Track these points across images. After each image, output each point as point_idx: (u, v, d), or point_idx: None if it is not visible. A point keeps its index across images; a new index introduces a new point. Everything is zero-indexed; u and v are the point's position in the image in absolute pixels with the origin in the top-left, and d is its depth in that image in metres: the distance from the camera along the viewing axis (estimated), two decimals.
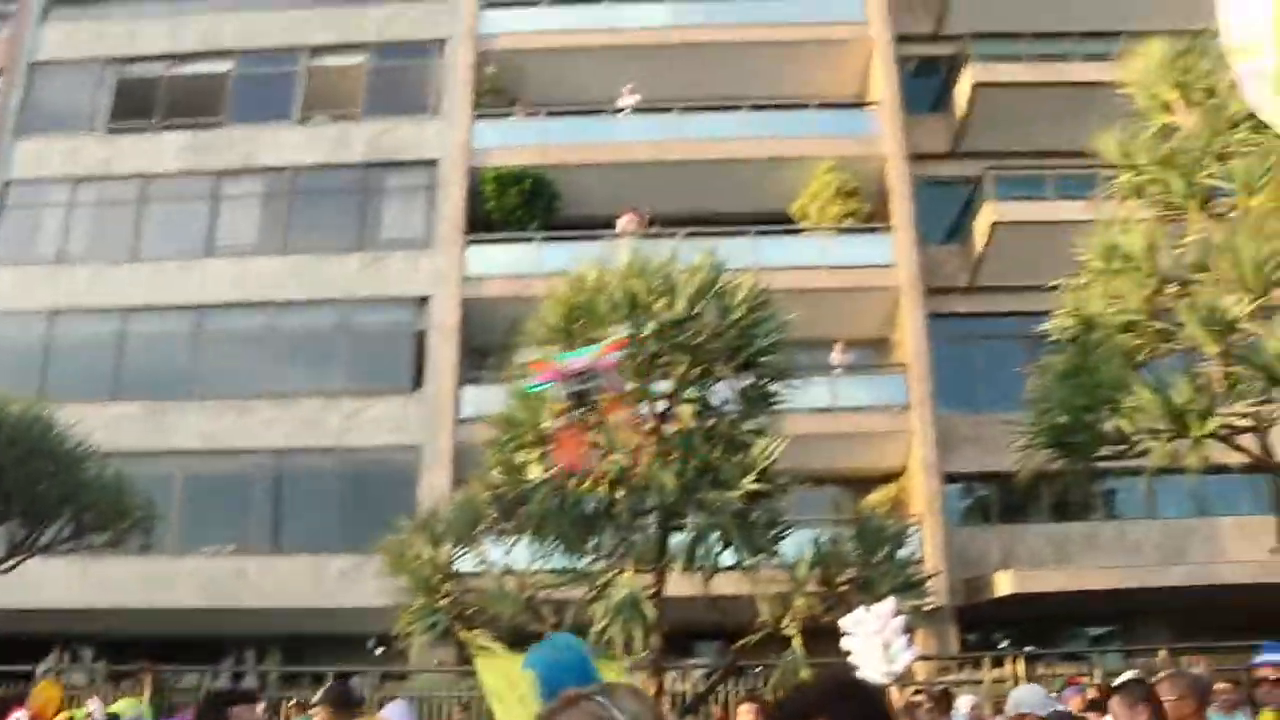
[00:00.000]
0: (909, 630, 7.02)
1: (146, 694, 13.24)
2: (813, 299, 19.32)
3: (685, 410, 9.79)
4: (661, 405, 9.89)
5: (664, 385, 9.87)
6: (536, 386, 10.94)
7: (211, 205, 25.28)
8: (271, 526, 22.79)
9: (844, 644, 6.91)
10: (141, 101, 26.50)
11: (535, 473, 9.68)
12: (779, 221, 23.85)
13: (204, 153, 25.41)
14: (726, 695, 12.52)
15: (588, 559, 9.59)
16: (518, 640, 10.24)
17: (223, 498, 23.08)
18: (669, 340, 9.63)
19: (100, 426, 19.48)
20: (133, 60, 27.02)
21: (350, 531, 21.50)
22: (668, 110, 24.62)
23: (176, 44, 26.90)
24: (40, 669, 17.60)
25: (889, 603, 6.97)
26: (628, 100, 24.74)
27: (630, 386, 10.95)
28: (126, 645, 21.85)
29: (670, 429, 9.73)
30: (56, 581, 20.35)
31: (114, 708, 11.07)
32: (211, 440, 22.78)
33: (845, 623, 6.95)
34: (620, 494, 9.35)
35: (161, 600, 21.34)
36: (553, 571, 9.57)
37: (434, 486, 20.91)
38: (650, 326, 9.58)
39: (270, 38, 26.62)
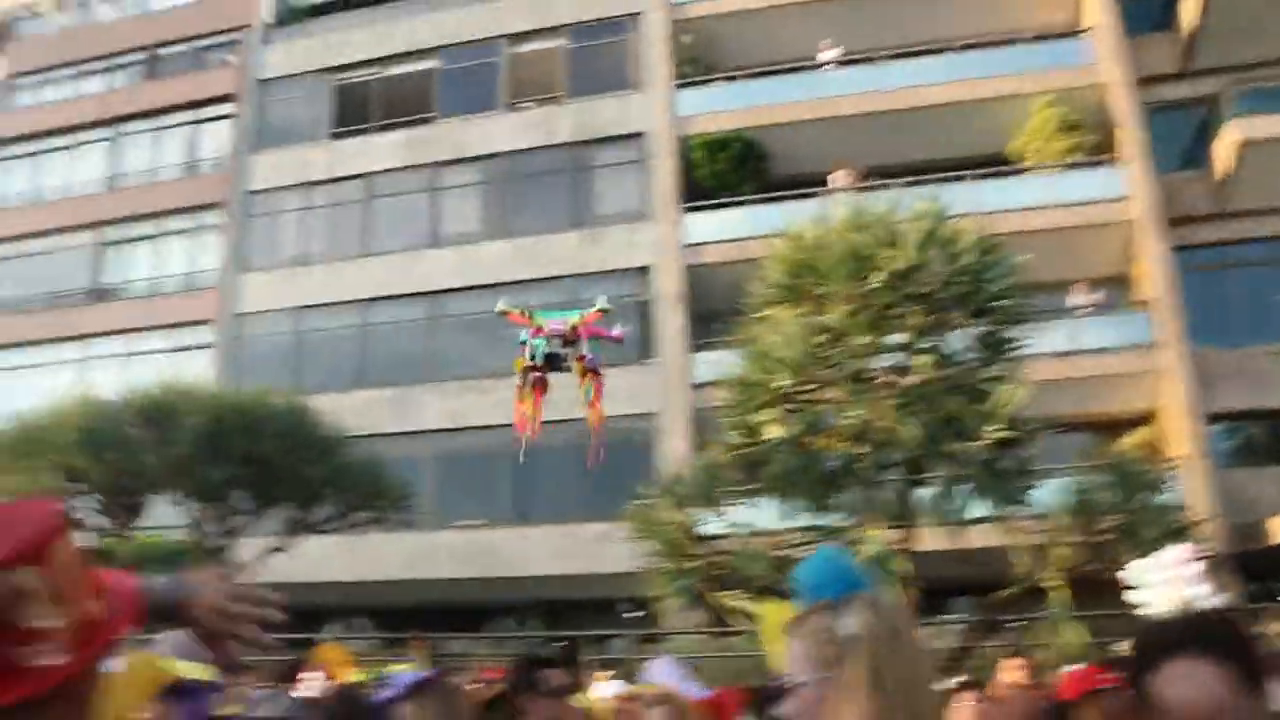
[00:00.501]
0: (1208, 575, 6.62)
1: (420, 659, 14.01)
2: (1042, 240, 18.57)
3: (922, 361, 9.61)
4: (896, 358, 9.74)
5: (898, 338, 9.70)
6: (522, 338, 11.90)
7: (432, 197, 26.36)
8: (519, 499, 23.63)
9: (1130, 596, 6.58)
10: (358, 106, 27.86)
11: (773, 432, 9.68)
12: (996, 164, 22.96)
13: (420, 148, 26.47)
14: (984, 651, 12.28)
15: (833, 516, 9.56)
16: (770, 599, 10.38)
17: (471, 473, 24.11)
18: (899, 292, 9.46)
19: (352, 413, 20.75)
20: (346, 68, 28.43)
21: (595, 500, 22.12)
22: (871, 60, 24.00)
23: (383, 48, 28.12)
24: (320, 637, 18.88)
25: (1181, 547, 6.59)
26: (828, 54, 24.26)
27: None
28: (396, 614, 23.27)
29: (909, 381, 9.57)
30: (330, 558, 21.82)
31: (394, 669, 11.79)
32: (456, 419, 23.83)
33: (1131, 572, 6.62)
34: (863, 450, 9.27)
35: (423, 572, 22.52)
36: (799, 529, 9.57)
37: (673, 452, 21.28)
38: (878, 279, 9.42)
39: (469, 31, 27.48)
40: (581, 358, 11.93)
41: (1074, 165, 22.51)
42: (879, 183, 21.26)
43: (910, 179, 19.57)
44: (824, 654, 1.78)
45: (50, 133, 32.10)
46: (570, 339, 12.27)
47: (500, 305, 14.11)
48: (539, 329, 12.40)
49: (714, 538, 10.25)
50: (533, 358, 11.97)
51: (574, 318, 12.43)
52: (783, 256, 10.07)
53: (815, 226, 10.07)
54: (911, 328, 9.63)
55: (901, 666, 1.75)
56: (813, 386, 9.46)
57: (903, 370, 9.64)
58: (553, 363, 11.90)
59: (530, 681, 4.30)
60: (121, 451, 14.05)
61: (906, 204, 10.23)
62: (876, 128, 23.19)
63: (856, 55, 24.08)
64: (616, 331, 14.00)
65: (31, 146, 32.31)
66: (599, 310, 12.54)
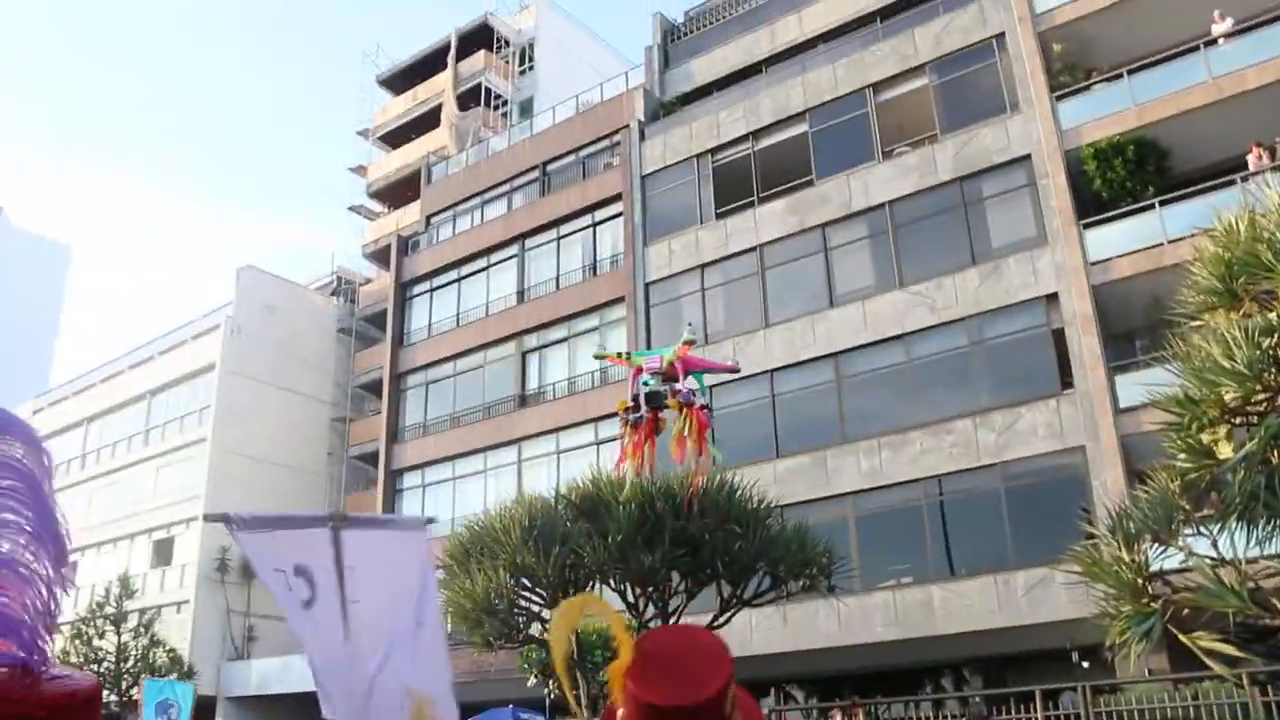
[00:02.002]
0: None
1: None
2: None
3: None
4: None
5: None
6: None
7: (823, 257, 26.41)
8: (944, 552, 22.89)
9: None
10: (739, 182, 28.59)
11: (1226, 451, 8.69)
12: None
13: (804, 211, 26.70)
14: None
15: None
16: (1248, 637, 9.22)
17: (893, 531, 23.66)
18: None
19: (772, 483, 20.96)
20: (722, 149, 29.32)
21: (1025, 546, 21.04)
22: (1275, 21, 21.59)
23: (754, 121, 28.77)
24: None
25: None
26: (1221, 27, 22.13)
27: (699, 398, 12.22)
28: (831, 682, 23.04)
29: None
30: (761, 630, 22.07)
31: None
32: (874, 478, 23.53)
33: None
34: None
35: (856, 636, 22.24)
36: (1275, 557, 8.47)
37: (1108, 485, 19.88)
38: None
39: (834, 89, 27.54)
40: (676, 392, 12.03)
41: None
42: None
43: None
44: None
45: (465, 259, 35.45)
46: (669, 375, 12.17)
47: (596, 351, 16.02)
48: (639, 370, 12.34)
49: (1172, 573, 9.30)
50: (635, 399, 12.12)
51: (669, 354, 12.37)
52: (1213, 256, 9.08)
53: (1244, 217, 9.03)
54: None
55: None
56: (1268, 394, 8.41)
57: None
58: (653, 401, 12.09)
59: None
60: (563, 545, 14.86)
61: None
62: None
63: (1252, 20, 21.83)
64: (730, 363, 15.14)
65: (452, 275, 35.84)
66: (686, 342, 12.46)
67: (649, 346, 28.63)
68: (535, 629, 16.11)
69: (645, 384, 12.37)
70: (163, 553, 40.64)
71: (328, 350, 44.80)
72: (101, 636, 31.17)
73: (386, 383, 36.35)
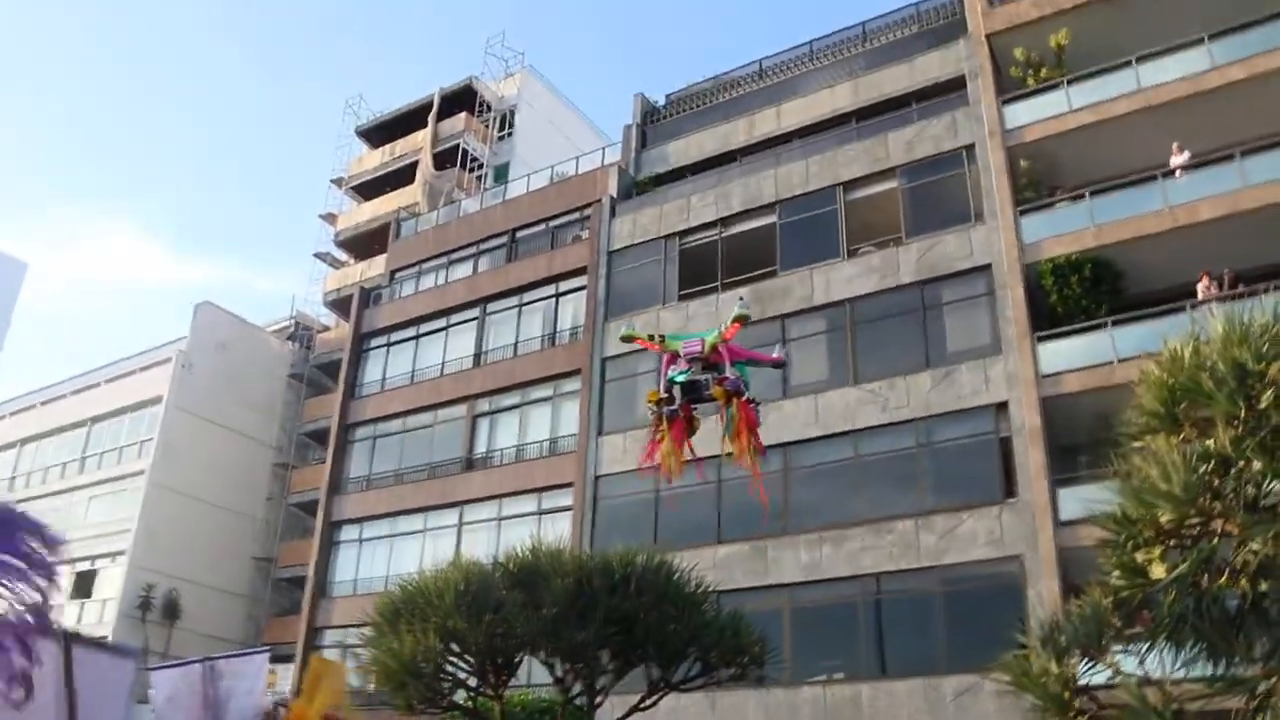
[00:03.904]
0: None
1: None
2: None
3: None
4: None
5: None
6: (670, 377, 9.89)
7: (780, 349, 26.56)
8: (877, 651, 22.85)
9: None
10: (704, 266, 28.89)
11: (1159, 572, 8.79)
12: None
13: (765, 301, 26.97)
14: None
15: (1239, 664, 8.46)
16: None
17: (828, 626, 23.60)
18: None
19: (711, 567, 20.91)
20: (690, 232, 29.69)
21: (957, 651, 21.05)
22: (1228, 159, 22.39)
23: (724, 208, 29.16)
24: None
25: None
26: (1179, 159, 22.88)
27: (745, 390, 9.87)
28: None
29: None
30: (689, 716, 21.84)
31: None
32: (812, 571, 23.52)
33: None
34: (1266, 587, 8.21)
35: None
36: (1200, 680, 8.52)
37: (1043, 596, 20.02)
38: (1269, 397, 8.48)
39: (804, 183, 28.03)
40: (722, 380, 9.92)
41: None
42: (1249, 290, 19.69)
43: None
44: None
45: (426, 318, 35.42)
46: (710, 362, 10.10)
47: (623, 331, 11.71)
48: (673, 356, 10.29)
49: (1101, 688, 9.34)
50: (669, 390, 10.07)
51: (712, 336, 10.28)
52: (1157, 380, 9.26)
53: (1191, 344, 9.24)
54: None
55: None
56: (1201, 519, 8.55)
57: None
58: (692, 392, 10.01)
59: None
60: (496, 613, 14.71)
61: None
62: (1240, 231, 21.62)
63: (1209, 156, 22.58)
64: (776, 354, 11.20)
65: (411, 331, 35.78)
66: (737, 320, 10.23)
67: (600, 423, 28.63)
68: (460, 695, 15.85)
69: (673, 376, 10.27)
70: (84, 585, 39.59)
71: (277, 394, 44.33)
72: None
73: (334, 433, 35.99)
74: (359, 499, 34.05)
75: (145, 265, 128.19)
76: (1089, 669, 9.42)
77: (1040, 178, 24.92)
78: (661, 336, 10.27)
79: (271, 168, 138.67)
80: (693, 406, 10.24)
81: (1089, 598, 9.43)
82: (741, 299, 11.20)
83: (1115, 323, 22.06)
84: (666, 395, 9.95)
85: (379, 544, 32.83)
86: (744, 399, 10.00)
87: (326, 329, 46.76)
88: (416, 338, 35.63)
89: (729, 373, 9.87)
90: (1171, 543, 8.80)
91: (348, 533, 34.02)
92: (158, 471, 39.35)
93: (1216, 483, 8.45)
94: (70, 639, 3.26)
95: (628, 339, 10.84)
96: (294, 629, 34.19)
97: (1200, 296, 21.24)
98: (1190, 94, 22.92)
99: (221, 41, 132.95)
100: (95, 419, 43.60)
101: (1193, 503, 8.32)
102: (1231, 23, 22.84)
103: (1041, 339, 22.90)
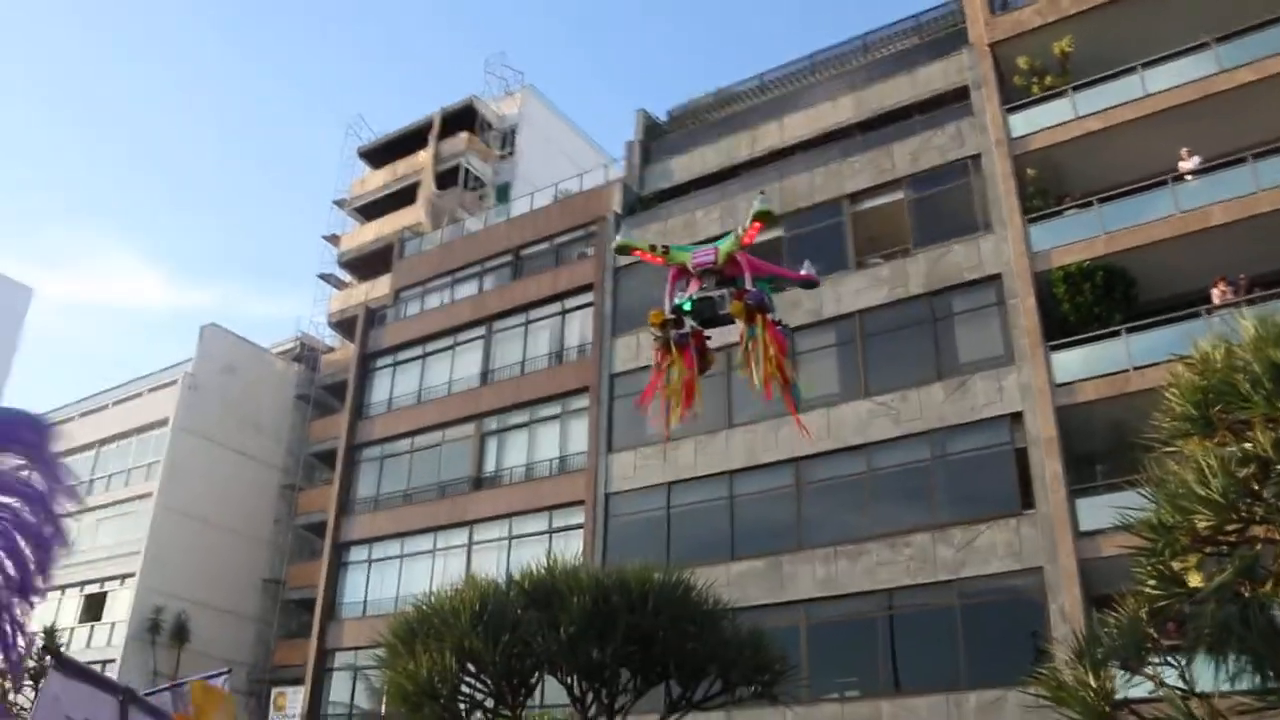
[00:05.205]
0: None
1: None
2: None
3: None
4: None
5: None
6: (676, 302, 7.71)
7: (791, 362, 26.38)
8: (893, 667, 22.59)
9: None
10: None
11: (1195, 580, 8.61)
12: None
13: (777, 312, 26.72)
14: None
15: None
16: None
17: (844, 642, 23.34)
18: None
19: (726, 584, 20.67)
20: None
21: (979, 665, 20.80)
22: (1240, 162, 22.24)
23: (731, 223, 28.90)
24: None
25: None
26: (1188, 164, 22.74)
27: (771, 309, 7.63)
28: None
29: None
30: None
31: None
32: (828, 586, 23.28)
33: None
34: None
35: None
36: (1249, 693, 8.30)
37: (1065, 609, 19.77)
38: None
39: (810, 196, 27.87)
40: (742, 293, 7.44)
41: None
42: (1266, 293, 19.57)
43: None
44: None
45: (432, 337, 35.25)
46: (726, 275, 7.67)
47: (619, 240, 8.16)
48: (680, 268, 7.88)
49: (1139, 702, 9.13)
50: (677, 310, 7.65)
51: (727, 243, 7.86)
52: (1188, 383, 9.09)
53: (1220, 346, 9.08)
54: None
55: None
56: (1240, 525, 8.37)
57: None
58: (706, 313, 7.57)
59: None
60: (513, 633, 14.51)
61: None
62: (1254, 234, 21.44)
63: (1219, 160, 22.45)
64: (805, 270, 7.80)
65: (417, 350, 35.60)
66: (758, 218, 7.66)
67: (610, 440, 28.43)
68: (477, 716, 15.62)
69: (681, 307, 7.97)
70: (93, 608, 39.44)
71: (284, 416, 44.21)
72: (19, 691, 29.99)
73: (341, 453, 35.79)
74: (367, 520, 33.84)
75: (145, 288, 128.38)
76: (1126, 682, 9.22)
77: (1048, 186, 24.77)
78: (665, 247, 7.58)
79: (271, 191, 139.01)
80: (705, 336, 8.03)
81: (1123, 608, 9.25)
82: (763, 192, 8.77)
83: (1130, 330, 21.86)
84: (673, 317, 7.83)
85: (388, 565, 32.61)
86: (769, 318, 7.74)
87: (332, 350, 46.64)
88: (423, 357, 35.47)
89: (749, 285, 7.65)
90: (1209, 550, 8.63)
91: (357, 554, 33.80)
92: (166, 494, 39.22)
93: (1256, 487, 8.29)
94: (128, 697, 3.13)
95: (623, 249, 7.71)
96: (303, 651, 33.96)
97: (1216, 301, 21.08)
98: (1198, 98, 22.77)
99: (221, 62, 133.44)
100: (103, 441, 43.43)
101: (1232, 507, 8.15)
102: (1234, 26, 22.72)
103: (1054, 348, 22.70)
